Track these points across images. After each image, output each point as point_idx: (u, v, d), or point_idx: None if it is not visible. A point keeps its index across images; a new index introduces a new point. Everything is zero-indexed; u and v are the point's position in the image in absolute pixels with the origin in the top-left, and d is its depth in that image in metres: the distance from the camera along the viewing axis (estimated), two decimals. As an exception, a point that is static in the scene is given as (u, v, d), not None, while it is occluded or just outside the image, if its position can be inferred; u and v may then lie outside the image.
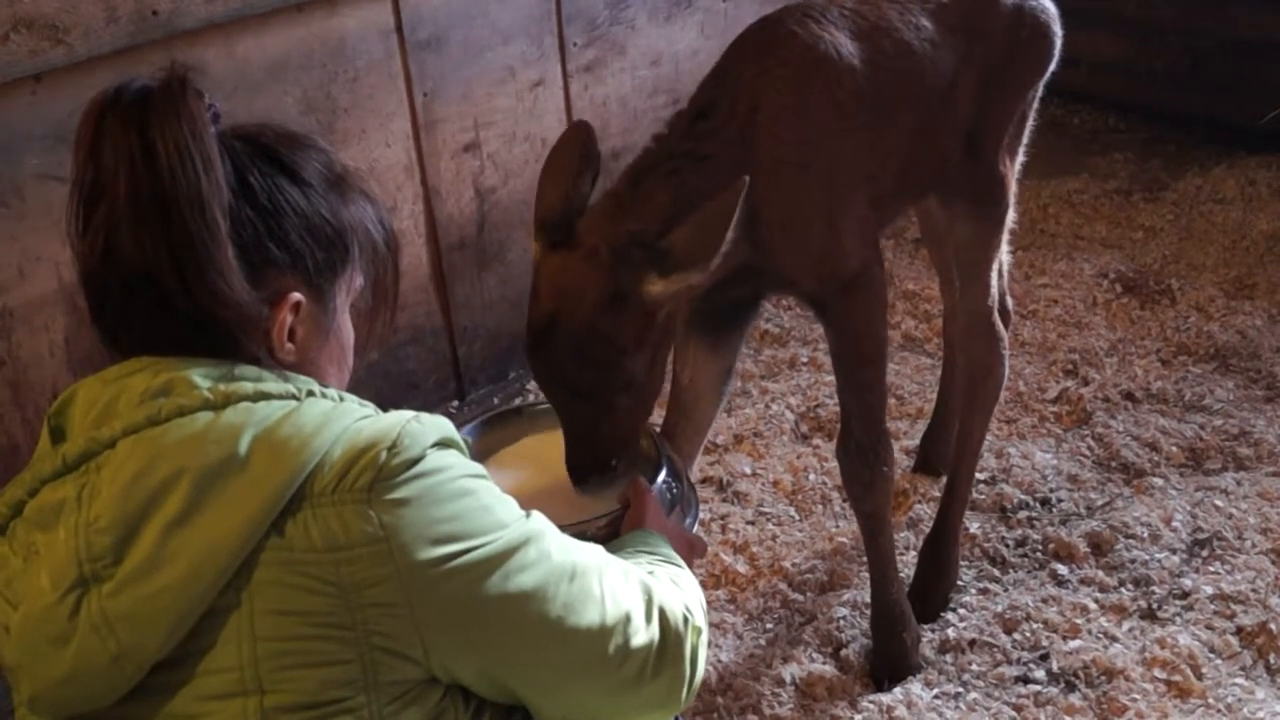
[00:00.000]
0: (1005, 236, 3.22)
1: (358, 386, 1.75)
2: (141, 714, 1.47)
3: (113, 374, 1.57)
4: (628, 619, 1.68)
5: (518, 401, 4.40)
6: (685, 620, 1.77)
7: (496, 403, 4.43)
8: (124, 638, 1.43)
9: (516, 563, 1.57)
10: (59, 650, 1.45)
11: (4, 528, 1.55)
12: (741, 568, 3.57)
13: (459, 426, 2.44)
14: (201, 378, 1.53)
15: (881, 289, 2.81)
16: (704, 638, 1.82)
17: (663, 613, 1.74)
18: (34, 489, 1.53)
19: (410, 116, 3.98)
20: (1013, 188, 3.16)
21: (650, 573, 1.84)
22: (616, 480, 2.37)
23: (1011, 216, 3.19)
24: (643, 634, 1.70)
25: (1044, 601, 3.31)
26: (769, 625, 3.37)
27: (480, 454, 2.46)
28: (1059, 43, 3.11)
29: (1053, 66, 3.14)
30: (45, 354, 3.29)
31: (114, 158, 1.51)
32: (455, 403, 4.41)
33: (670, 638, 1.73)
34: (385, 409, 1.64)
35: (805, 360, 4.55)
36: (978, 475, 3.73)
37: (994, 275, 3.23)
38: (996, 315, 3.27)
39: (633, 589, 1.73)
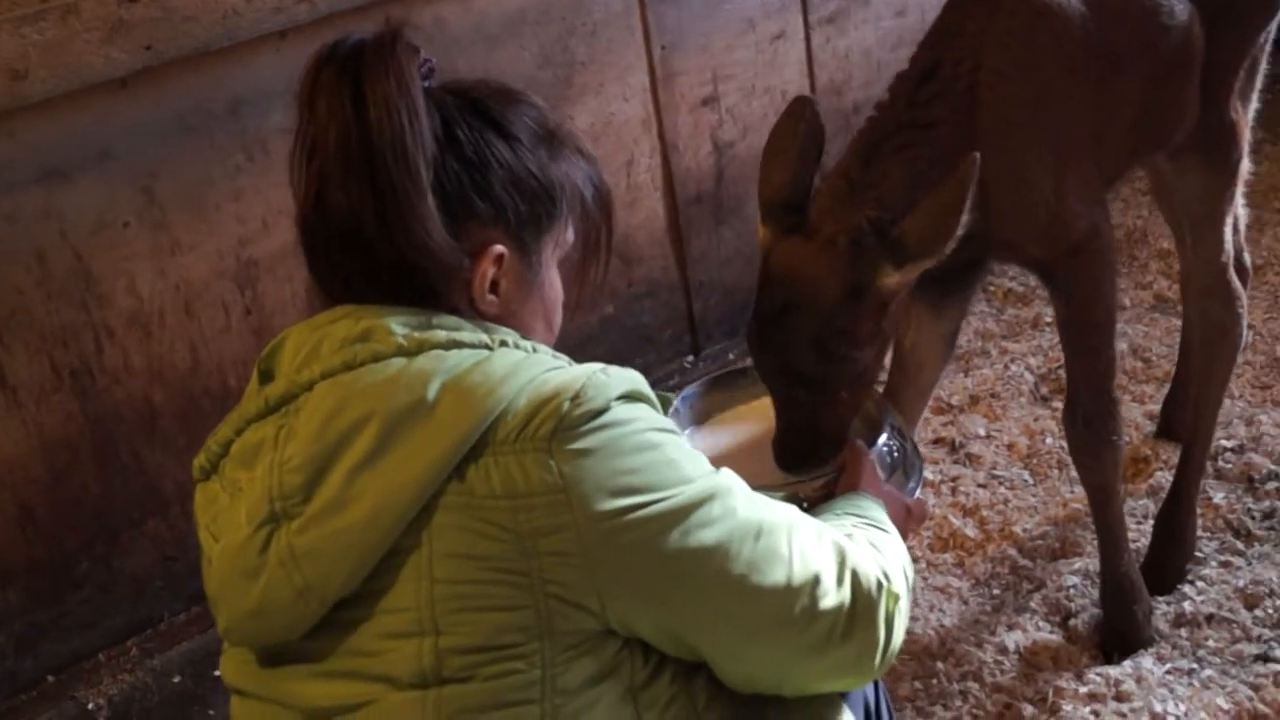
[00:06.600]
0: (1240, 189, 3.06)
1: (592, 341, 1.76)
2: (325, 648, 1.52)
3: (320, 320, 1.63)
4: (816, 580, 1.63)
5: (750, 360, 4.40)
6: (880, 585, 1.71)
7: (731, 358, 4.44)
8: (309, 573, 1.48)
9: (699, 518, 1.54)
10: (250, 583, 1.51)
11: (215, 465, 1.63)
12: (970, 531, 3.50)
13: (687, 384, 2.45)
14: (399, 325, 1.57)
15: (1110, 252, 2.70)
16: (903, 604, 1.75)
17: (855, 575, 1.68)
18: (240, 428, 1.60)
19: (648, 70, 3.99)
20: (1246, 136, 2.99)
21: (849, 535, 1.79)
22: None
23: (1246, 167, 3.03)
24: (832, 596, 1.65)
25: (1290, 578, 3.14)
26: (995, 591, 3.29)
27: (707, 410, 2.47)
28: None
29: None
30: (288, 303, 3.42)
31: (327, 110, 1.56)
32: (690, 357, 4.42)
33: (862, 601, 1.68)
34: (620, 363, 1.64)
35: (1049, 320, 4.39)
36: (1225, 443, 3.57)
37: (1228, 230, 3.08)
38: (1232, 272, 3.11)
39: (825, 550, 1.68)
